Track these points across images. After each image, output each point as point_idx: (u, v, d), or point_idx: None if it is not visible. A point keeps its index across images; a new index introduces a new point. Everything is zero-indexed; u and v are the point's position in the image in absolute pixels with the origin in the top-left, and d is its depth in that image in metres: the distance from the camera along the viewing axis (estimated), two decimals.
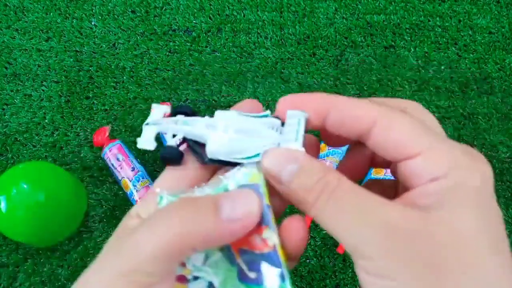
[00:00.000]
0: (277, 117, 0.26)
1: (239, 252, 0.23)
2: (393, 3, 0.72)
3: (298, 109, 0.25)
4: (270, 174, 0.23)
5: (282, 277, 0.22)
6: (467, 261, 0.20)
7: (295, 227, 0.24)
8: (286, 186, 0.22)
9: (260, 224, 0.22)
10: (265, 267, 0.22)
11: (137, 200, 0.58)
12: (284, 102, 0.25)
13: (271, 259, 0.22)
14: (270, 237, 0.22)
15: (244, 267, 0.23)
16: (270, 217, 0.22)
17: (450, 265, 0.20)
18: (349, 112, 0.24)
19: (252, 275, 0.22)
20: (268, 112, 0.27)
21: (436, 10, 0.72)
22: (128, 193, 0.59)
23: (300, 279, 0.58)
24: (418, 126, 0.23)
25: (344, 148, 0.60)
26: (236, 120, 0.26)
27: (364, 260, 0.21)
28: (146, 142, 0.26)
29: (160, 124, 0.26)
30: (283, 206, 0.26)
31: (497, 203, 0.22)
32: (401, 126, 0.23)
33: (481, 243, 0.21)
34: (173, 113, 0.27)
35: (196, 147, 0.26)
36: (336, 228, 0.21)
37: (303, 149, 0.24)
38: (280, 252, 0.22)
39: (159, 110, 0.27)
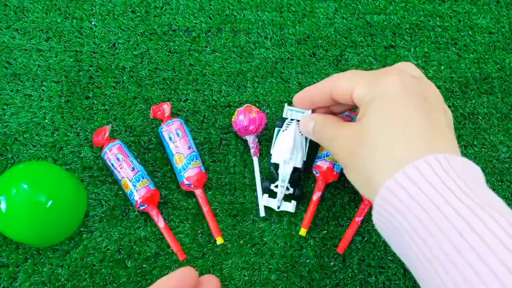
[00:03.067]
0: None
1: None
2: (393, 3, 0.72)
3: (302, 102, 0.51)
4: (304, 130, 0.49)
5: None
6: (370, 144, 0.37)
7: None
8: (313, 134, 0.48)
9: None
10: None
11: (137, 201, 0.58)
12: (295, 100, 0.51)
13: None
14: None
15: None
16: None
17: (362, 149, 0.37)
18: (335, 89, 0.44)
19: None
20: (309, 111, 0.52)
21: (436, 10, 0.72)
22: (128, 193, 0.59)
23: (300, 279, 0.58)
24: (355, 73, 0.43)
25: None
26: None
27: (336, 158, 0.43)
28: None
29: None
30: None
31: (413, 107, 0.36)
32: (345, 77, 0.43)
33: (379, 129, 0.37)
34: None
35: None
36: (329, 146, 0.44)
37: (309, 111, 0.51)
38: None
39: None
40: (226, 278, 0.59)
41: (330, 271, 0.58)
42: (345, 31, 0.70)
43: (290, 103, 0.65)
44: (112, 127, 0.64)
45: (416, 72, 0.41)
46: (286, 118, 0.57)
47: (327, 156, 0.59)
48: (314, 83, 0.67)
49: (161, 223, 0.59)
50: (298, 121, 0.55)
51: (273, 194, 0.60)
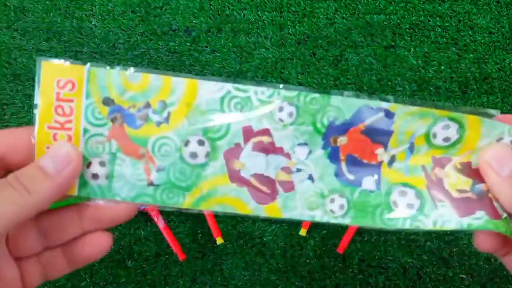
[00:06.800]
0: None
1: (345, 155, 0.27)
2: (393, 3, 0.72)
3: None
4: (491, 167, 0.24)
5: (378, 184, 0.27)
6: None
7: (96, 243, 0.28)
8: (502, 176, 0.24)
9: (377, 142, 0.26)
10: (365, 174, 0.27)
11: None
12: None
13: (372, 170, 0.27)
14: (381, 154, 0.26)
15: (344, 168, 0.27)
16: (389, 141, 0.26)
17: None
18: None
19: (350, 176, 0.27)
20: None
21: (436, 10, 0.72)
22: None
23: (300, 279, 0.58)
24: None
25: None
26: None
27: None
28: None
29: None
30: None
31: None
32: None
33: None
34: None
35: None
36: None
37: None
38: (383, 169, 0.26)
39: None
40: (226, 278, 0.59)
41: (330, 271, 0.58)
42: (345, 31, 0.70)
43: None
44: None
45: None
46: None
47: None
48: (314, 83, 0.67)
49: (161, 223, 0.59)
50: None
51: None
